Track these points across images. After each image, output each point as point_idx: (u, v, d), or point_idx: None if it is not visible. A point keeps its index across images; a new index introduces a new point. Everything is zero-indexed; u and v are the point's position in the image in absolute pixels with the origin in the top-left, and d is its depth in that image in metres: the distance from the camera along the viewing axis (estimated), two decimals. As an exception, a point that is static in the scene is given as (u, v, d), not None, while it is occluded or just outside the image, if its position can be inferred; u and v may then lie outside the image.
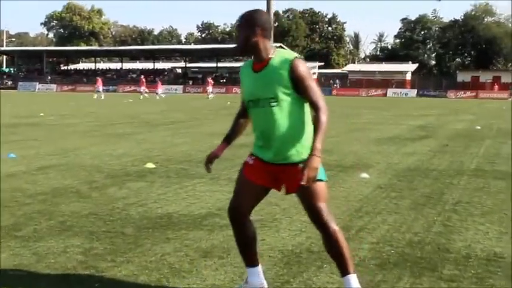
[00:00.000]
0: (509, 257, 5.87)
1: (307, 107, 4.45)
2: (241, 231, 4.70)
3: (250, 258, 4.78)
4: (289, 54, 4.49)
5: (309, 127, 4.45)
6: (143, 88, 60.97)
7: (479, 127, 23.32)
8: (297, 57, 4.42)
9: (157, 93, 59.20)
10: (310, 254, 5.86)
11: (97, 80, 64.19)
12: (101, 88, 61.25)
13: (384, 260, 5.75)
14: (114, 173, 10.87)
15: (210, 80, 66.57)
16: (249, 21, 4.49)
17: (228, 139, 4.88)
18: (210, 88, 62.26)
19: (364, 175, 10.72)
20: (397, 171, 11.37)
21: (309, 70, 4.48)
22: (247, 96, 4.61)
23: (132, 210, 7.77)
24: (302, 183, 4.16)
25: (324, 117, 4.29)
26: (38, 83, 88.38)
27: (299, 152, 4.42)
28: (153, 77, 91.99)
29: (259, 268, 4.79)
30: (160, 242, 6.28)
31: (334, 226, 4.46)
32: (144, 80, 63.21)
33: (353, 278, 4.49)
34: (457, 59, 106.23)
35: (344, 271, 4.50)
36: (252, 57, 4.59)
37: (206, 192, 9.06)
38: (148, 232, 6.70)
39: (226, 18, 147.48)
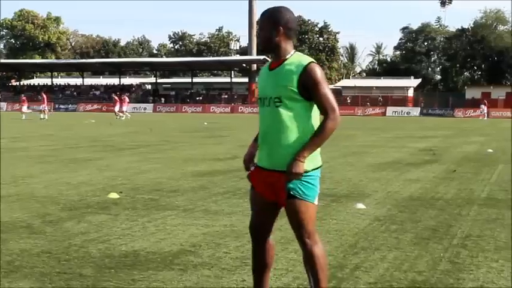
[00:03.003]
0: (528, 300, 5.86)
1: (315, 116, 4.64)
2: (261, 251, 5.04)
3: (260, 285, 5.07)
4: (305, 58, 4.65)
5: (310, 133, 4.60)
6: (118, 107, 60.69)
7: (491, 150, 23.38)
8: (312, 62, 4.59)
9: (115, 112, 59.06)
10: (299, 297, 5.82)
11: (116, 98, 63.52)
12: (45, 107, 59.54)
13: (383, 303, 5.72)
14: (71, 204, 10.77)
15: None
16: (272, 20, 4.71)
17: (257, 140, 5.05)
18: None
19: (360, 205, 10.69)
20: (398, 201, 11.35)
21: (324, 76, 4.62)
22: (259, 94, 4.84)
23: (92, 248, 7.69)
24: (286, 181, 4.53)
25: (328, 124, 4.54)
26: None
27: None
28: (119, 94, 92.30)
29: None
30: (124, 285, 6.21)
31: (314, 247, 4.71)
32: (117, 98, 62.81)
33: None
34: (465, 73, 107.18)
35: None
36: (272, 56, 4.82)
37: (178, 226, 8.99)
38: (111, 273, 6.61)
39: (202, 29, 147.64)
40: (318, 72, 4.56)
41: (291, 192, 4.59)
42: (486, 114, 67.83)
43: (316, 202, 4.76)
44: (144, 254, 7.40)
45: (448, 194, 12.26)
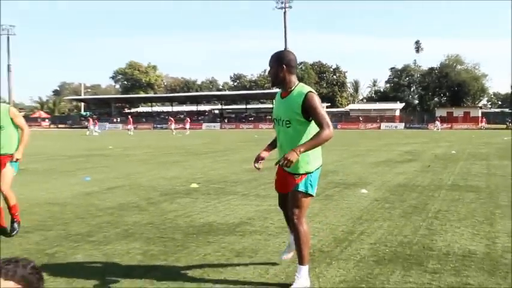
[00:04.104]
0: (480, 254, 5.77)
1: (313, 132, 4.48)
2: (287, 215, 5.02)
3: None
4: (305, 89, 4.54)
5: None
6: (174, 126, 61.11)
7: (454, 151, 23.17)
8: (310, 92, 4.49)
9: (173, 129, 59.13)
10: (321, 253, 5.80)
11: (170, 119, 63.85)
12: (131, 127, 60.68)
13: (380, 257, 5.68)
14: (166, 191, 10.91)
15: (188, 119, 65.80)
16: (278, 60, 4.61)
17: (270, 146, 5.05)
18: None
19: (364, 190, 10.65)
20: (390, 187, 11.25)
21: (319, 101, 4.51)
22: (274, 115, 4.76)
23: (180, 220, 7.79)
24: (299, 189, 4.54)
25: (323, 132, 4.38)
26: (107, 123, 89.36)
27: (302, 166, 4.55)
28: (196, 117, 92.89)
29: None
30: (202, 245, 6.27)
31: (300, 227, 4.63)
32: (172, 120, 63.13)
33: (303, 269, 4.69)
34: (435, 99, 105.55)
35: (299, 261, 4.71)
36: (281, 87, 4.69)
37: (238, 206, 9.04)
38: (193, 237, 6.69)
39: (252, 70, 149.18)
40: (315, 99, 4.44)
41: (298, 189, 4.55)
42: (439, 128, 66.75)
43: (313, 194, 4.67)
44: (216, 225, 7.47)
45: (424, 182, 12.11)
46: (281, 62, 4.58)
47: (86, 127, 64.64)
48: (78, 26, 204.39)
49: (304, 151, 4.33)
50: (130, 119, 64.52)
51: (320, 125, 4.42)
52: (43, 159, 19.76)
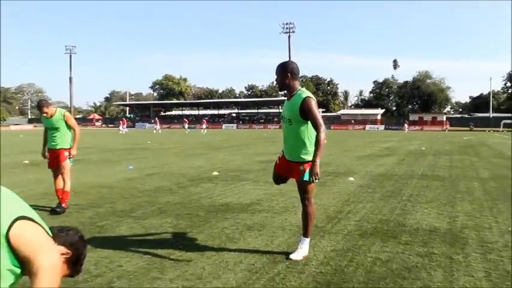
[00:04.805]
0: (444, 229, 5.71)
1: (309, 128, 4.45)
2: (277, 183, 5.10)
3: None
4: (304, 94, 4.44)
5: (310, 140, 4.48)
6: (187, 125, 61.60)
7: (424, 148, 22.97)
8: (308, 97, 4.40)
9: (202, 128, 59.26)
10: (316, 228, 5.76)
11: (184, 120, 64.39)
12: (158, 126, 60.21)
13: (363, 231, 5.64)
14: (192, 177, 10.91)
15: (204, 120, 65.12)
16: (283, 69, 4.54)
17: None
18: (204, 126, 60.19)
19: (351, 179, 10.57)
20: (372, 176, 11.16)
21: (315, 103, 4.40)
22: (282, 114, 4.70)
23: (203, 201, 7.78)
24: (305, 179, 4.44)
25: (321, 135, 4.33)
26: (147, 124, 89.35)
27: (302, 155, 4.51)
28: (217, 119, 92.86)
29: None
30: (221, 220, 6.26)
31: (309, 207, 4.64)
32: (187, 120, 64.22)
33: (306, 241, 4.68)
34: (409, 106, 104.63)
35: (304, 234, 4.70)
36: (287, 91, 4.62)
37: (250, 190, 9.01)
38: (214, 214, 6.68)
39: (263, 82, 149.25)
40: (311, 102, 4.35)
41: (304, 179, 4.49)
42: (407, 129, 66.24)
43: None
44: (232, 205, 7.45)
45: (400, 172, 12.00)
46: (286, 71, 4.50)
47: (131, 127, 64.83)
48: (124, 47, 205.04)
49: (319, 158, 4.32)
50: (158, 120, 64.53)
51: (314, 125, 4.36)
52: (96, 152, 19.86)
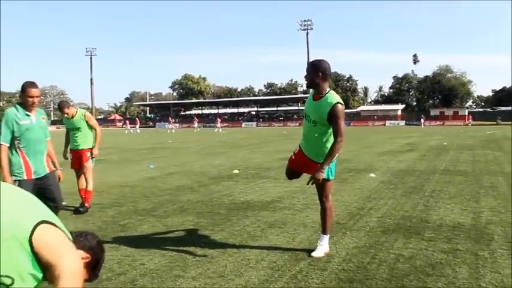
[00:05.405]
0: (468, 225, 5.61)
1: (331, 132, 4.41)
2: (290, 178, 5.06)
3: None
4: (335, 99, 4.33)
5: (329, 144, 4.43)
6: (196, 124, 62.37)
7: (445, 143, 22.59)
8: (338, 103, 4.29)
9: (217, 127, 59.44)
10: (338, 225, 5.73)
11: (194, 119, 64.88)
12: (171, 126, 61.08)
13: (386, 228, 5.57)
14: (213, 176, 10.94)
15: (219, 119, 65.46)
16: (315, 67, 4.40)
17: None
18: (218, 124, 60.64)
19: (372, 175, 10.46)
20: (393, 172, 11.03)
21: (343, 112, 4.31)
22: (305, 111, 4.61)
23: (224, 199, 7.79)
24: (324, 177, 4.39)
25: (336, 145, 4.31)
26: (167, 123, 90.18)
27: (320, 156, 4.45)
28: (237, 117, 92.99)
29: None
30: (242, 218, 6.27)
31: (327, 204, 4.62)
32: (196, 119, 64.39)
33: (325, 238, 4.66)
34: (430, 101, 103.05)
35: (323, 231, 4.69)
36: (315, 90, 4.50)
37: (271, 187, 9.00)
38: (235, 212, 6.69)
39: (282, 80, 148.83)
40: (340, 110, 4.26)
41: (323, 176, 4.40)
42: (423, 124, 65.47)
43: (333, 178, 4.60)
44: (252, 202, 7.45)
45: (421, 168, 11.83)
46: (318, 70, 4.36)
47: (151, 126, 65.41)
48: (144, 47, 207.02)
49: (326, 166, 4.31)
50: (171, 120, 65.02)
51: (336, 134, 4.30)
52: (118, 152, 20.11)
